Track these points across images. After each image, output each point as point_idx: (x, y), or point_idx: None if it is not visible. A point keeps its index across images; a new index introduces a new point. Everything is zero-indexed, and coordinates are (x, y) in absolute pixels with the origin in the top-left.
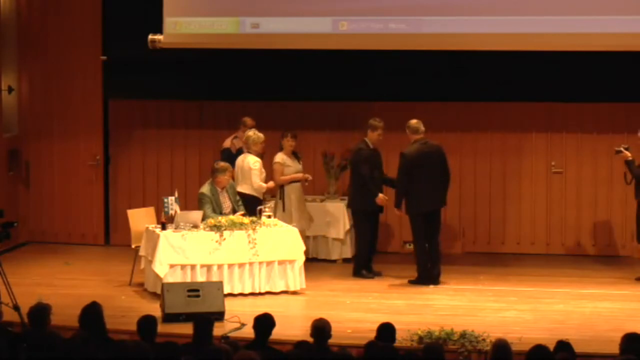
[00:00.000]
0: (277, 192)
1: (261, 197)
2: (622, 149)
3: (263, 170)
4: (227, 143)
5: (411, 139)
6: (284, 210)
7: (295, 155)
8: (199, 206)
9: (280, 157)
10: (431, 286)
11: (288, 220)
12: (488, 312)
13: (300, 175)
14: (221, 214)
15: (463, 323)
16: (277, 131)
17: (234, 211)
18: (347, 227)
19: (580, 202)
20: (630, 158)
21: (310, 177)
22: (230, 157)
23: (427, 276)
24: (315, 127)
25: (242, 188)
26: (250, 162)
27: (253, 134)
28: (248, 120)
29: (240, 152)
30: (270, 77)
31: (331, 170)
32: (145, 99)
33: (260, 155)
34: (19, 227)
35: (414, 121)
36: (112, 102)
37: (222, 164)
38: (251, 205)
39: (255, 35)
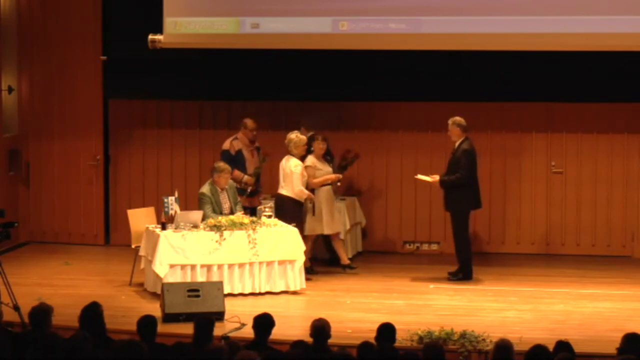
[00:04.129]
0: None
1: (302, 201)
2: None
3: (305, 173)
4: (226, 145)
5: (461, 136)
6: (313, 214)
7: (326, 157)
8: (199, 206)
9: (310, 160)
10: (431, 285)
11: (318, 225)
12: (488, 312)
13: (332, 176)
14: (221, 214)
15: (463, 323)
16: (276, 131)
17: (232, 211)
18: (348, 226)
19: (580, 202)
20: None
21: (341, 177)
22: (230, 158)
23: (471, 273)
24: (315, 127)
25: (284, 190)
26: (292, 165)
27: (295, 136)
28: (249, 122)
29: (239, 153)
30: (270, 77)
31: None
32: (145, 99)
33: (301, 157)
34: (19, 227)
35: (462, 119)
36: (112, 102)
37: (222, 164)
38: (291, 208)
39: (255, 35)
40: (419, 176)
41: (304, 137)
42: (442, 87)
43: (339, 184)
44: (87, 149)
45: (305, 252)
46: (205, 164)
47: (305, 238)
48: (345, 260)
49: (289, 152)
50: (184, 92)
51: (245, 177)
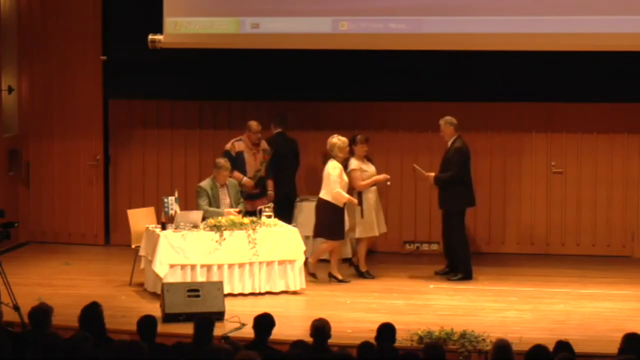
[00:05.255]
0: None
1: (341, 205)
2: None
3: (345, 177)
4: (228, 145)
5: (454, 135)
6: (362, 216)
7: (367, 158)
8: (196, 199)
9: (355, 163)
10: (431, 285)
11: (368, 227)
12: (488, 312)
13: (381, 177)
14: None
15: (463, 323)
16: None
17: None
18: (347, 227)
19: (580, 202)
20: None
21: (389, 177)
22: (231, 159)
23: (471, 272)
24: (315, 127)
25: (322, 194)
26: (330, 168)
27: (338, 140)
28: (253, 125)
29: (240, 155)
30: (270, 77)
31: None
32: (145, 99)
33: (345, 160)
34: (19, 227)
35: (453, 118)
36: (112, 102)
37: (222, 160)
38: (325, 212)
39: (255, 35)
40: (417, 166)
41: (345, 139)
42: (442, 87)
43: (389, 183)
44: (87, 149)
45: (360, 256)
46: (205, 164)
47: (358, 241)
48: (364, 266)
49: (332, 157)
50: (184, 92)
51: (244, 179)
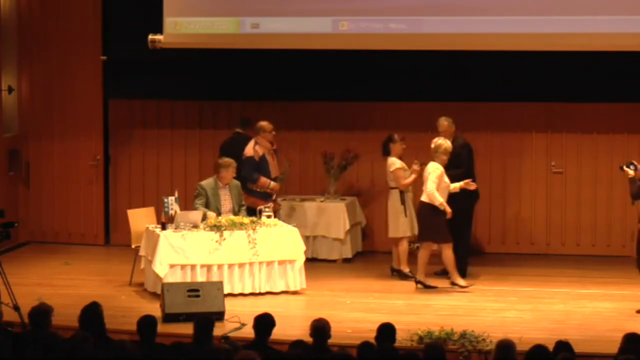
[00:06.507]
0: (397, 198)
1: (436, 204)
2: (624, 167)
3: (446, 180)
4: (250, 151)
5: (454, 134)
6: (406, 215)
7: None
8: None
9: (399, 162)
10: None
11: (409, 226)
12: (488, 312)
13: (417, 170)
14: (217, 210)
15: (463, 323)
16: (276, 131)
17: (234, 212)
18: (347, 227)
19: (580, 202)
20: (631, 175)
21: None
22: (255, 165)
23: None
24: (315, 127)
25: (424, 197)
26: (431, 168)
27: (444, 142)
28: (266, 125)
29: (263, 159)
30: (270, 77)
31: (331, 170)
32: (145, 99)
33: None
34: (19, 227)
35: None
36: (112, 102)
37: (226, 159)
38: (426, 215)
39: (255, 35)
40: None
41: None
42: (442, 87)
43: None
44: (87, 149)
45: (401, 257)
46: (205, 164)
47: (399, 240)
48: (405, 266)
49: (433, 159)
50: (184, 92)
51: (272, 184)
